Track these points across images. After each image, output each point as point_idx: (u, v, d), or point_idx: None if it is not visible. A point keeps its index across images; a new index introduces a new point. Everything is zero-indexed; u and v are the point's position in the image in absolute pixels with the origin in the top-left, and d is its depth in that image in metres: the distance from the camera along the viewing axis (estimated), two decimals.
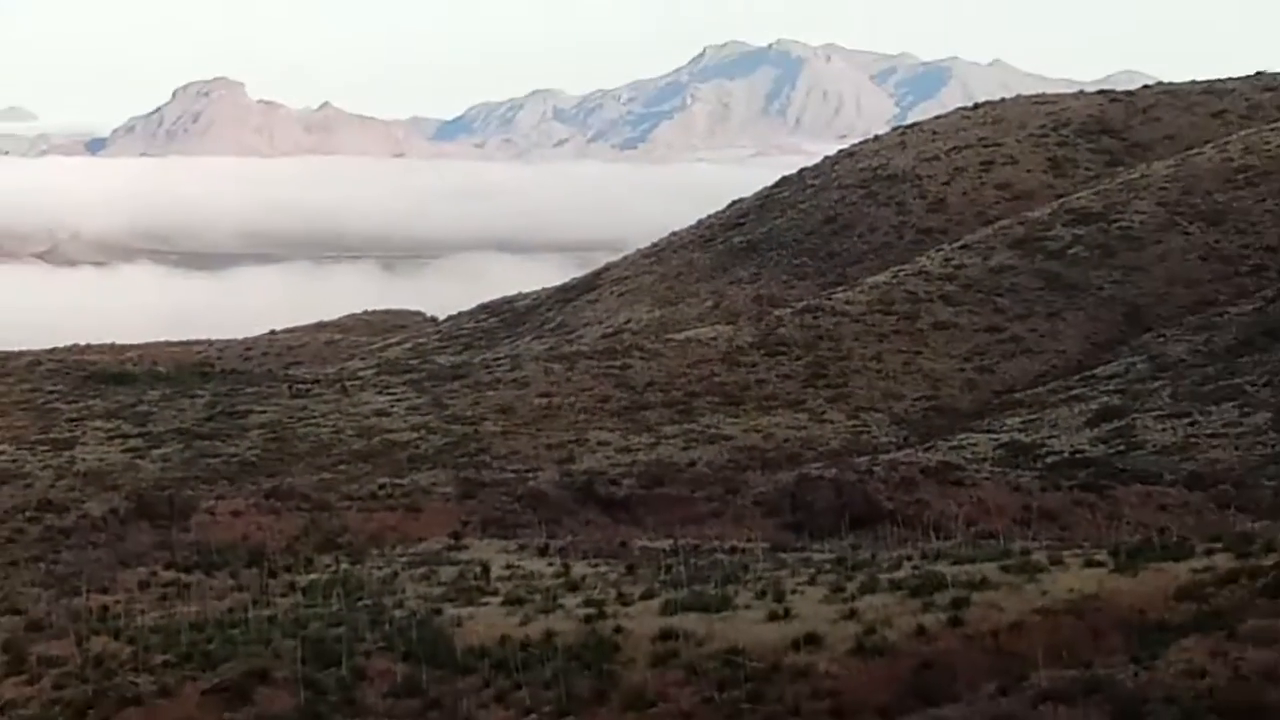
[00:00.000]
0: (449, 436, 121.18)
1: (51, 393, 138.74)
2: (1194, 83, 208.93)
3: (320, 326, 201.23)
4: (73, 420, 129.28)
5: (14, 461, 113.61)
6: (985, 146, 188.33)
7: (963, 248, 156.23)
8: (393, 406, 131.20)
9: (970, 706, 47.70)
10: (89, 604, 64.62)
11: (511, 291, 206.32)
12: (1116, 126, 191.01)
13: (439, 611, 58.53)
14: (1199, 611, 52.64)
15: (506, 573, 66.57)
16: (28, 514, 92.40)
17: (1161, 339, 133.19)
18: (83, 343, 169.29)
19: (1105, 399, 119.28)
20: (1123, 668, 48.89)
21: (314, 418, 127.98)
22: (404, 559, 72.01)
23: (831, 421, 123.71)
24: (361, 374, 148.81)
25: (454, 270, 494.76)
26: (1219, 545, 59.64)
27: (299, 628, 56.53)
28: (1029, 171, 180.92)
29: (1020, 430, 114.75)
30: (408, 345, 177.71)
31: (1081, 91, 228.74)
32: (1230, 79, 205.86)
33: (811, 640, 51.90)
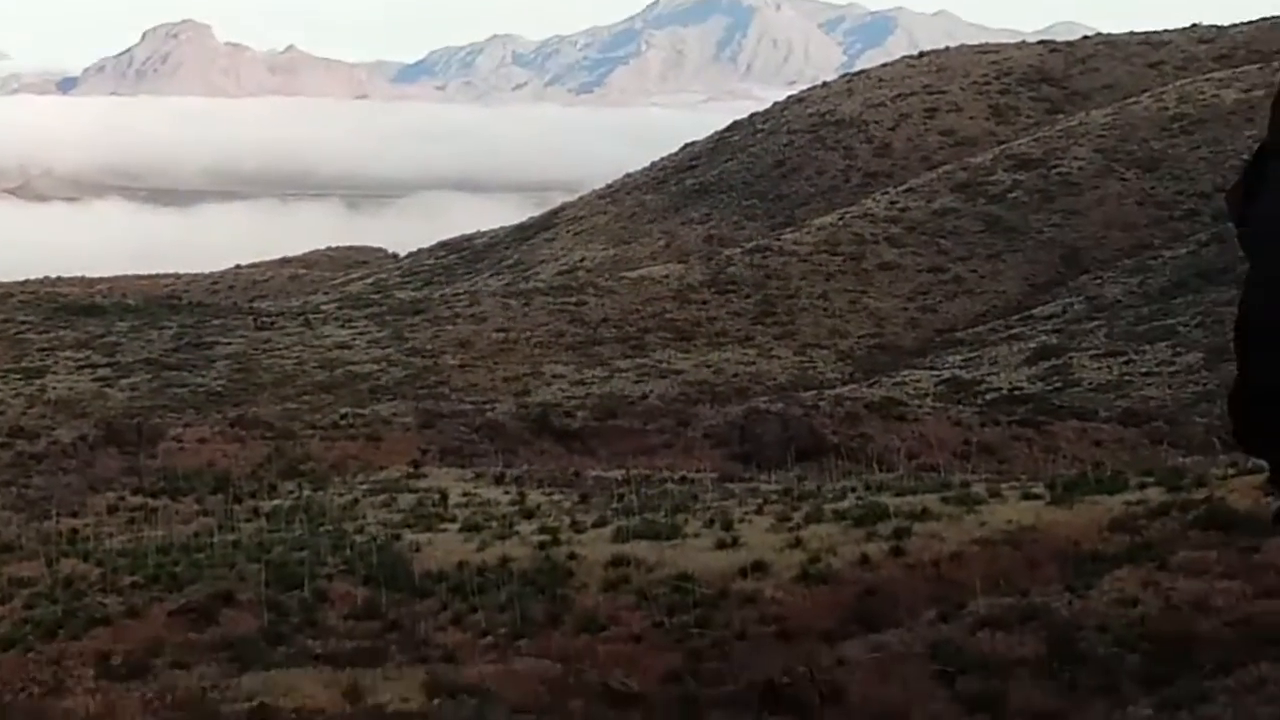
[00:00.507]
0: (409, 369, 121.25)
1: (23, 323, 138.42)
2: (1132, 34, 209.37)
3: (285, 262, 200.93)
4: (43, 350, 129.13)
5: None
6: (930, 94, 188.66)
7: (907, 191, 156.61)
8: (354, 339, 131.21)
9: (910, 632, 47.82)
10: (59, 527, 64.64)
11: (470, 230, 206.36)
12: (1056, 76, 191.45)
13: (398, 537, 58.61)
14: (1132, 543, 52.87)
15: (464, 500, 66.64)
16: (0, 440, 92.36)
17: (1098, 281, 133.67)
18: (54, 275, 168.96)
19: (1043, 338, 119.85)
20: (1058, 596, 49.11)
21: (278, 350, 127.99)
22: (365, 486, 72.04)
23: (779, 357, 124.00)
24: (324, 308, 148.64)
25: (415, 209, 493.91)
26: (1151, 479, 59.89)
27: (263, 552, 56.57)
28: (971, 118, 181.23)
29: (961, 367, 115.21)
30: (369, 281, 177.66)
31: (1023, 41, 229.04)
32: (1167, 31, 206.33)
33: (758, 568, 52.01)
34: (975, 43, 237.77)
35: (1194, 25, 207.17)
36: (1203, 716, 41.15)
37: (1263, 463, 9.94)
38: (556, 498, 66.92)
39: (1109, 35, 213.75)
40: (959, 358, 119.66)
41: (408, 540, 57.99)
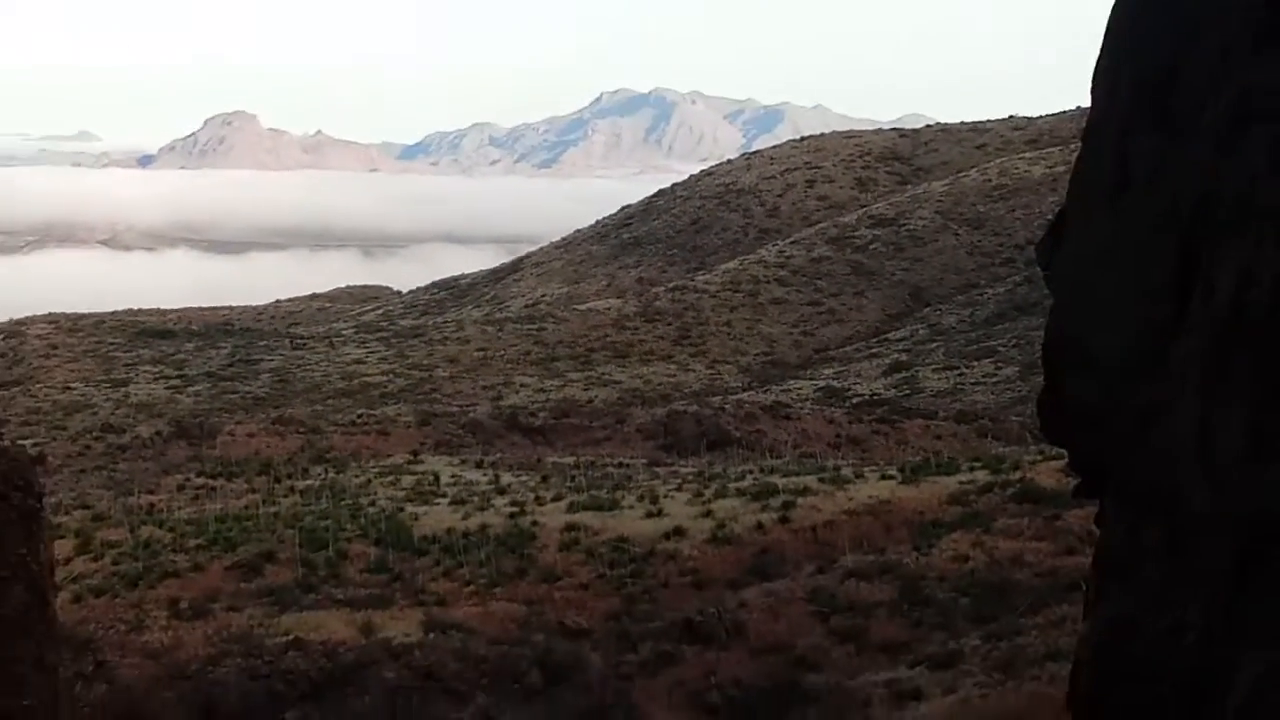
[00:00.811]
0: (409, 379, 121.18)
1: (112, 344, 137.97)
2: (962, 123, 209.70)
3: (314, 297, 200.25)
4: (127, 365, 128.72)
5: (83, 396, 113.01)
6: (809, 169, 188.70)
7: (792, 243, 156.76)
8: (367, 357, 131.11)
9: (794, 581, 47.85)
10: (139, 502, 64.44)
11: (457, 272, 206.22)
12: (905, 154, 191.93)
13: (401, 509, 58.63)
14: (964, 513, 53.04)
15: (452, 481, 66.61)
16: (94, 434, 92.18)
17: (938, 312, 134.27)
18: (136, 307, 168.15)
19: (896, 356, 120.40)
20: (907, 554, 49.30)
21: (309, 365, 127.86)
22: (375, 470, 71.94)
23: (694, 370, 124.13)
24: (344, 333, 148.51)
25: (414, 256, 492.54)
26: (979, 464, 60.41)
27: (297, 520, 56.52)
28: (841, 187, 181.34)
29: (833, 378, 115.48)
30: (379, 311, 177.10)
31: (880, 129, 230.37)
32: (989, 120, 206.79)
33: (678, 532, 52.13)
34: (844, 129, 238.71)
35: (1010, 116, 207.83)
36: (1018, 645, 41.20)
37: (1064, 451, 9.93)
38: (523, 478, 66.93)
39: (945, 124, 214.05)
40: (831, 371, 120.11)
41: (408, 511, 58.06)
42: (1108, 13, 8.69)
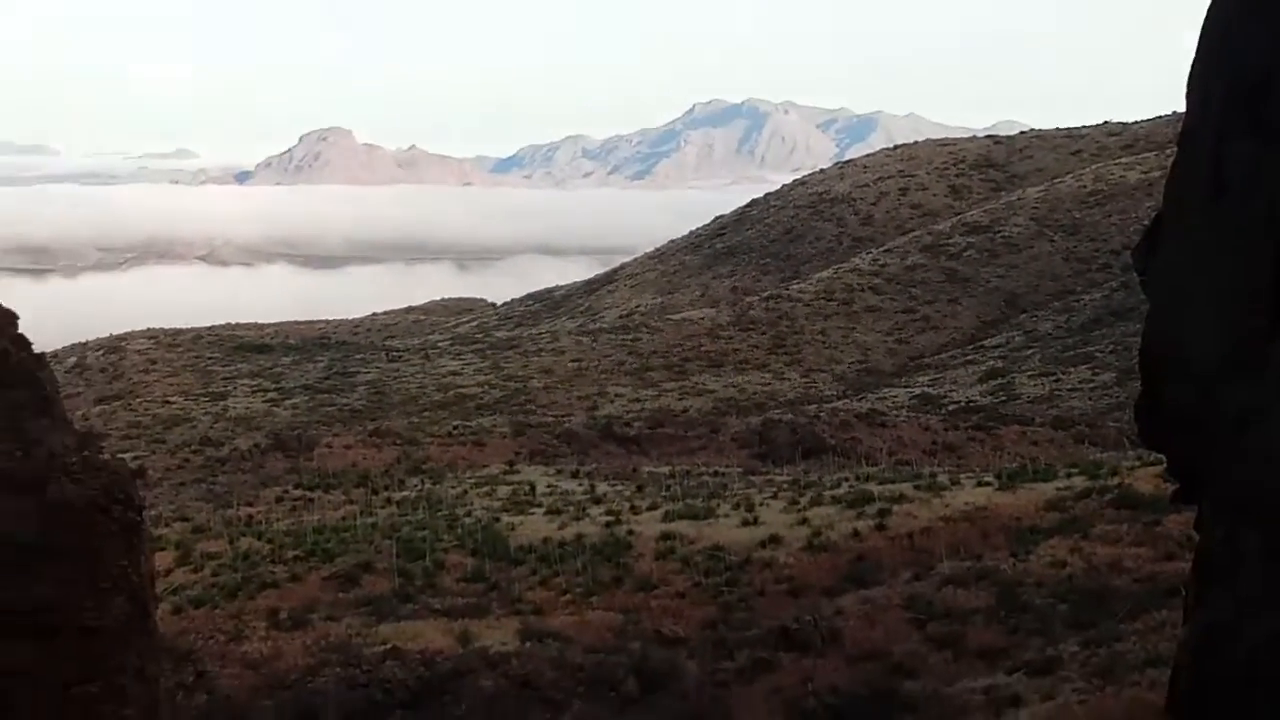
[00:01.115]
0: (505, 390, 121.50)
1: (210, 358, 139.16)
2: (1057, 129, 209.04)
3: (409, 310, 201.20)
4: (225, 378, 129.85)
5: (182, 410, 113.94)
6: (903, 177, 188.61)
7: (886, 251, 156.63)
8: (463, 369, 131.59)
9: (891, 588, 47.75)
10: (238, 514, 64.90)
11: (551, 284, 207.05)
12: (999, 161, 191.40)
13: (498, 519, 58.82)
14: (1061, 519, 52.81)
15: (548, 491, 66.78)
16: (193, 448, 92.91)
17: (1034, 318, 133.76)
18: (234, 321, 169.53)
19: (991, 362, 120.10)
20: (1004, 560, 49.15)
21: (405, 377, 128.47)
22: (471, 480, 72.18)
23: (788, 379, 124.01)
24: (440, 345, 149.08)
25: (509, 268, 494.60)
26: (1076, 470, 60.10)
27: (394, 531, 56.81)
28: (935, 195, 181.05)
29: (928, 385, 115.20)
30: (474, 324, 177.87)
31: (974, 136, 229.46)
32: (1084, 126, 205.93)
33: (774, 540, 52.13)
34: (937, 138, 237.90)
35: (1105, 121, 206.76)
36: (1117, 651, 40.92)
37: (1162, 456, 9.87)
38: (618, 488, 67.04)
39: (1040, 130, 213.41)
40: (926, 378, 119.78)
41: (505, 521, 58.23)
42: (1201, 19, 8.65)
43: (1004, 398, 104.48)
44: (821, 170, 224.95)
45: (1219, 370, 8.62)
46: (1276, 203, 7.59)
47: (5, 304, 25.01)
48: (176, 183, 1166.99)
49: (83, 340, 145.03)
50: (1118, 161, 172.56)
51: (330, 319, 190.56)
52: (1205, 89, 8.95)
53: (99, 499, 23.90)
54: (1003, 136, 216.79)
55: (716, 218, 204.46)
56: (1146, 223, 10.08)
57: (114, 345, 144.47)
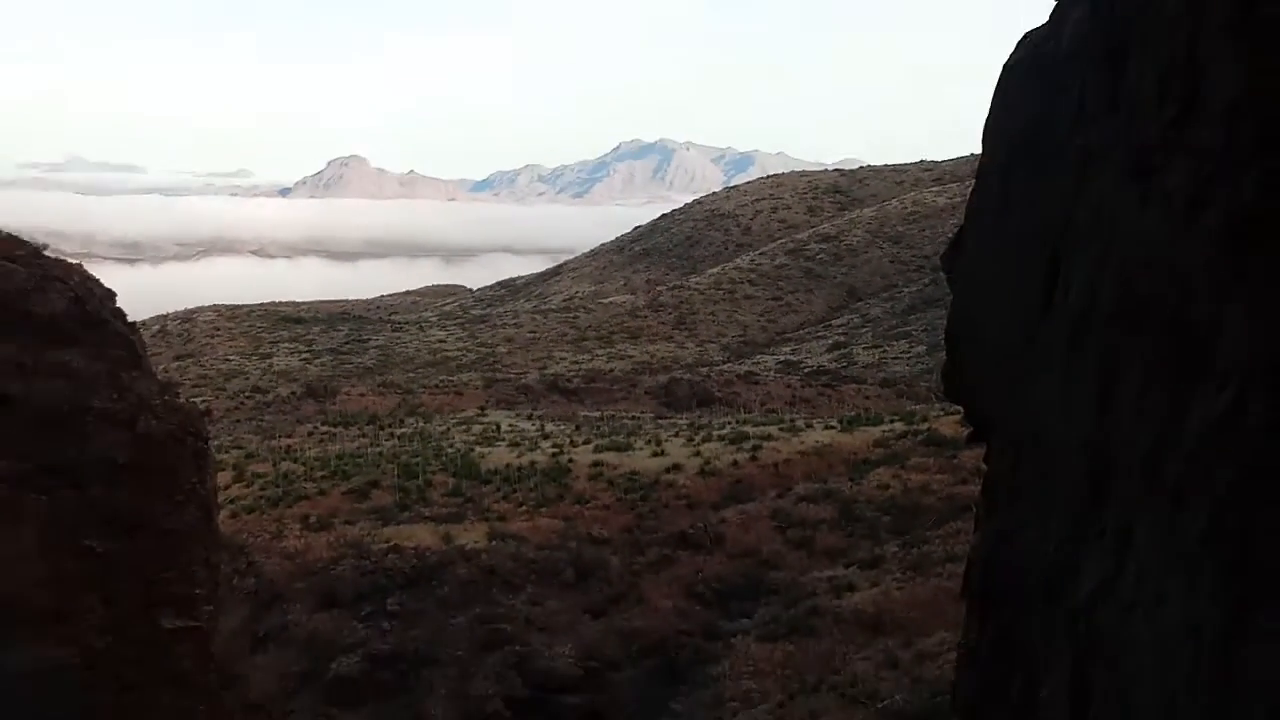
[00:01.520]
0: (478, 354, 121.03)
1: (260, 328, 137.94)
2: (886, 165, 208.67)
3: (408, 293, 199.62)
4: (271, 343, 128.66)
5: (238, 366, 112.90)
6: (773, 199, 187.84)
7: (760, 254, 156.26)
8: (447, 338, 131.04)
9: (760, 504, 47.85)
10: (279, 444, 64.44)
11: (514, 275, 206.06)
12: (844, 188, 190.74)
13: (472, 450, 58.54)
14: (886, 453, 52.94)
15: (509, 429, 66.55)
16: (246, 394, 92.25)
17: (867, 305, 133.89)
18: (277, 301, 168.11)
19: (835, 337, 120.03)
20: (844, 484, 49.20)
21: (404, 343, 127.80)
22: (453, 420, 71.87)
23: (687, 348, 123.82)
24: (430, 319, 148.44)
25: (482, 264, 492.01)
26: (897, 418, 60.18)
27: (395, 458, 56.53)
28: (796, 213, 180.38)
29: (790, 354, 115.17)
30: (456, 304, 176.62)
31: (826, 169, 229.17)
32: (906, 163, 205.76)
33: (675, 467, 52.08)
34: (799, 170, 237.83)
35: (921, 160, 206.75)
36: (925, 552, 41.09)
37: (960, 408, 9.95)
38: (561, 427, 66.85)
39: (874, 166, 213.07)
40: (789, 348, 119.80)
41: (477, 451, 57.99)
42: (993, 86, 8.73)
43: (845, 364, 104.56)
44: (713, 193, 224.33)
45: (1004, 343, 8.71)
46: (1047, 221, 7.66)
47: (107, 285, 24.79)
48: (235, 195, 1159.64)
49: (164, 313, 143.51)
50: (929, 190, 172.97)
51: (349, 299, 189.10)
52: (995, 136, 9.02)
53: (175, 431, 23.73)
54: (847, 170, 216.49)
55: (636, 227, 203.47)
56: (951, 235, 10.15)
57: (187, 317, 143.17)
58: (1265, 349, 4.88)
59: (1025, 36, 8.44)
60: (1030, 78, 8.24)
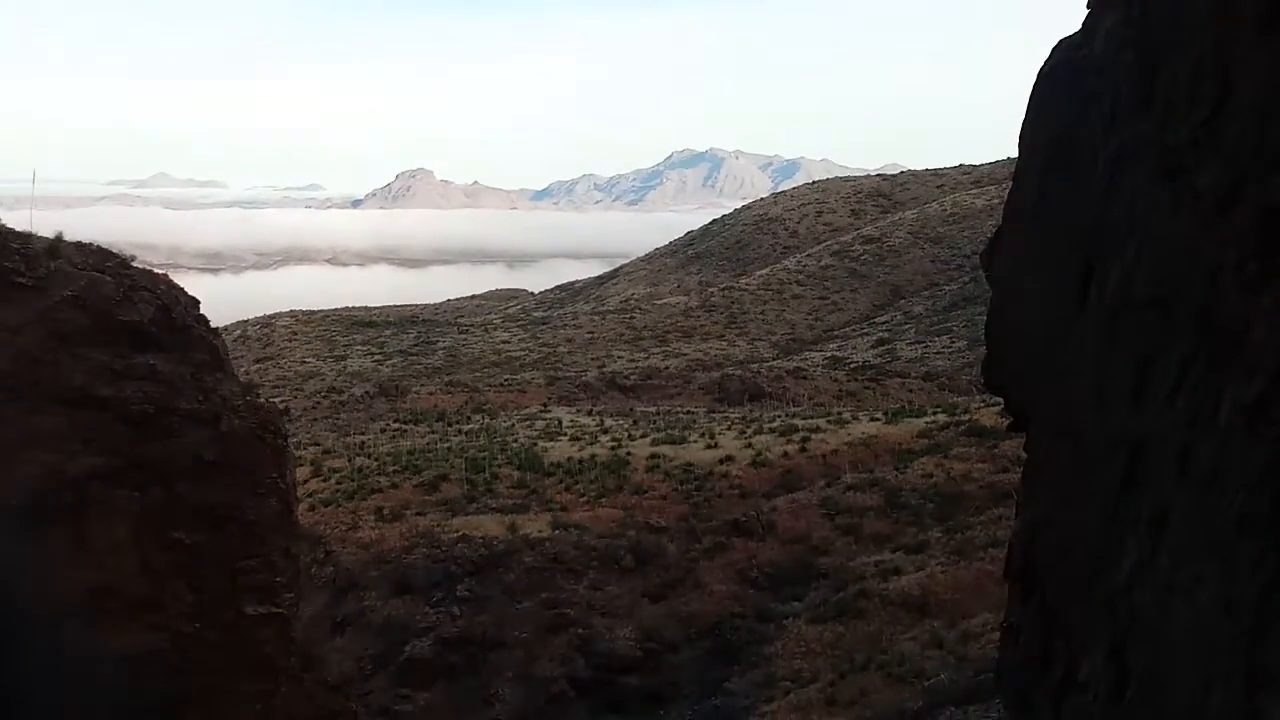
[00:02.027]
0: (540, 354, 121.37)
1: (334, 331, 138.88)
2: (926, 169, 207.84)
3: (473, 297, 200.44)
4: (345, 346, 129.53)
5: (315, 368, 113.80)
6: (818, 204, 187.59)
7: (807, 256, 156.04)
8: (511, 338, 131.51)
9: (810, 493, 47.75)
10: (354, 440, 64.80)
11: (573, 279, 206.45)
12: (886, 192, 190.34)
13: (535, 444, 58.73)
14: (929, 444, 52.75)
15: (571, 424, 66.68)
16: (322, 394, 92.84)
17: (910, 303, 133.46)
18: (351, 306, 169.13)
19: (880, 334, 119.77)
20: (890, 473, 49.00)
21: (470, 344, 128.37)
22: (517, 417, 72.08)
23: (738, 346, 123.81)
24: (494, 321, 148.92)
25: (543, 269, 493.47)
26: (940, 410, 59.91)
27: (463, 453, 56.75)
28: (841, 216, 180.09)
29: (836, 350, 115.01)
30: (519, 307, 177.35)
31: (868, 174, 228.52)
32: (946, 167, 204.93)
33: (728, 459, 52.10)
34: (843, 175, 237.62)
35: (960, 164, 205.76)
36: (969, 537, 40.83)
37: (1000, 399, 9.90)
38: (620, 422, 66.96)
39: (915, 170, 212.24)
40: (835, 345, 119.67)
41: (540, 445, 58.15)
42: (1029, 91, 8.66)
43: (889, 359, 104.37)
44: (761, 199, 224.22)
45: (1041, 338, 8.67)
46: (1081, 219, 7.61)
47: (191, 293, 24.98)
48: (309, 207, 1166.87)
49: (244, 319, 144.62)
50: (969, 192, 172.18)
51: (418, 304, 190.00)
52: (1031, 140, 8.96)
53: (256, 430, 23.89)
54: (889, 175, 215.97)
55: (688, 232, 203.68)
56: (990, 234, 10.11)
57: (266, 322, 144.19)
58: None
59: (1059, 44, 8.37)
60: (1064, 84, 8.17)
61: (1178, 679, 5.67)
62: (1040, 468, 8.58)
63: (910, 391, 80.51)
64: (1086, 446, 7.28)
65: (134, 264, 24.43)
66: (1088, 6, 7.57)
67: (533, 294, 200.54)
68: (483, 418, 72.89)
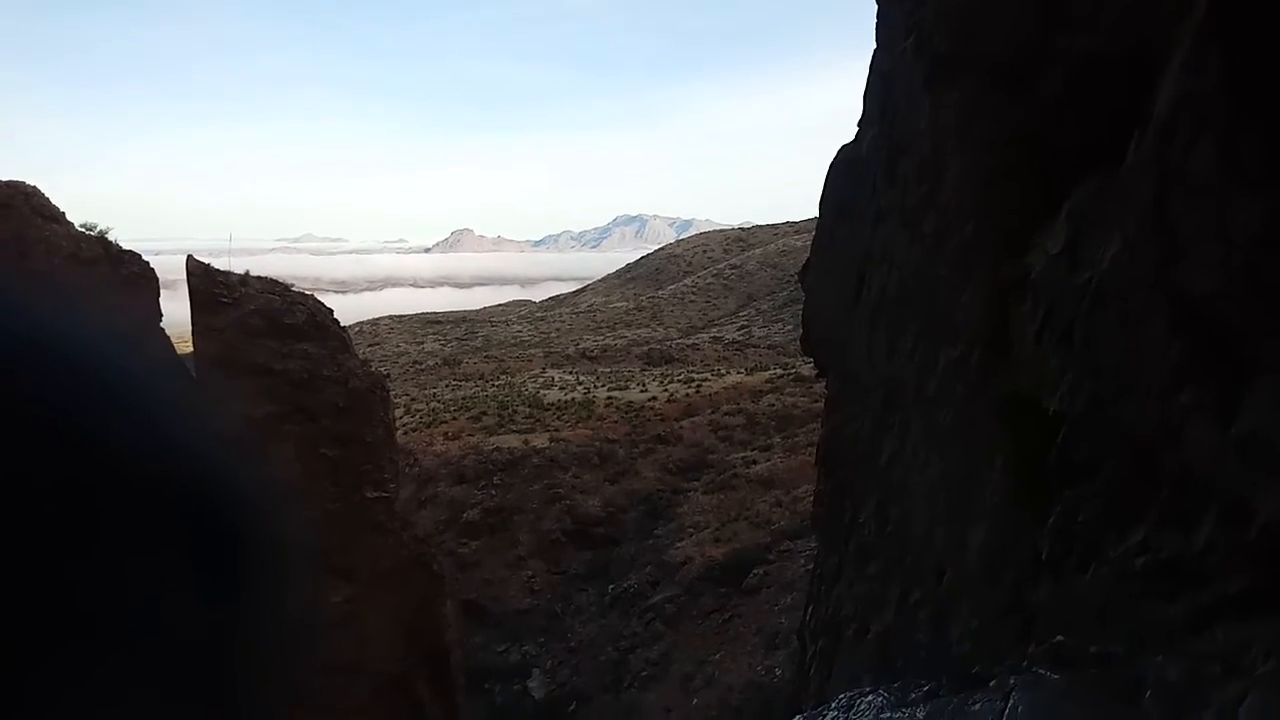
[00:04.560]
0: (540, 338, 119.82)
1: (415, 327, 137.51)
2: (767, 224, 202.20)
3: (499, 306, 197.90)
4: (422, 336, 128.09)
5: (404, 350, 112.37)
6: (704, 246, 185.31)
7: (697, 277, 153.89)
8: (523, 330, 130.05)
9: (702, 416, 47.01)
10: (429, 393, 63.50)
11: (559, 293, 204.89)
12: (744, 239, 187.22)
13: (539, 391, 58.03)
14: (772, 386, 51.88)
15: (559, 380, 66.03)
16: (408, 365, 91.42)
17: (759, 304, 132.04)
18: (425, 311, 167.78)
19: (742, 323, 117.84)
20: (749, 404, 48.17)
21: (499, 334, 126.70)
22: (528, 376, 71.21)
23: (658, 331, 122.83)
24: (512, 320, 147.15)
25: (541, 289, 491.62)
26: (778, 367, 58.73)
27: (495, 398, 55.99)
28: (717, 254, 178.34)
29: (716, 333, 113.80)
30: (527, 311, 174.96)
31: (733, 227, 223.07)
32: (779, 223, 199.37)
33: (654, 398, 51.40)
34: (718, 228, 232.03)
35: (787, 220, 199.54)
36: (798, 442, 40.57)
37: (811, 358, 9.91)
38: (589, 378, 66.36)
39: (760, 224, 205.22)
40: (715, 330, 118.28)
41: (542, 392, 57.61)
42: (825, 174, 8.67)
43: (748, 337, 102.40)
44: (670, 244, 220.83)
45: (833, 322, 8.70)
46: (856, 250, 7.64)
47: (327, 305, 24.73)
48: (398, 253, 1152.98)
49: (361, 320, 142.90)
50: (794, 237, 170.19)
51: (466, 309, 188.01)
52: (827, 201, 8.97)
53: (370, 387, 23.71)
54: (745, 228, 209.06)
55: (628, 264, 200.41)
56: (804, 262, 10.10)
57: (374, 323, 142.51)
58: (988, 321, 4.87)
59: (842, 147, 8.40)
60: (844, 170, 8.21)
61: (917, 521, 5.75)
62: (835, 398, 8.67)
63: (760, 355, 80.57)
64: (862, 385, 7.36)
65: (292, 289, 24.19)
66: (858, 125, 7.61)
67: (535, 302, 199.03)
68: (506, 377, 72.40)
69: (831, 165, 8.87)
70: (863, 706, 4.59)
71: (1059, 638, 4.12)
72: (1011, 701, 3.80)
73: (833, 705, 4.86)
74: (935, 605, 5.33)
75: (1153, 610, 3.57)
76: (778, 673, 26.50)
